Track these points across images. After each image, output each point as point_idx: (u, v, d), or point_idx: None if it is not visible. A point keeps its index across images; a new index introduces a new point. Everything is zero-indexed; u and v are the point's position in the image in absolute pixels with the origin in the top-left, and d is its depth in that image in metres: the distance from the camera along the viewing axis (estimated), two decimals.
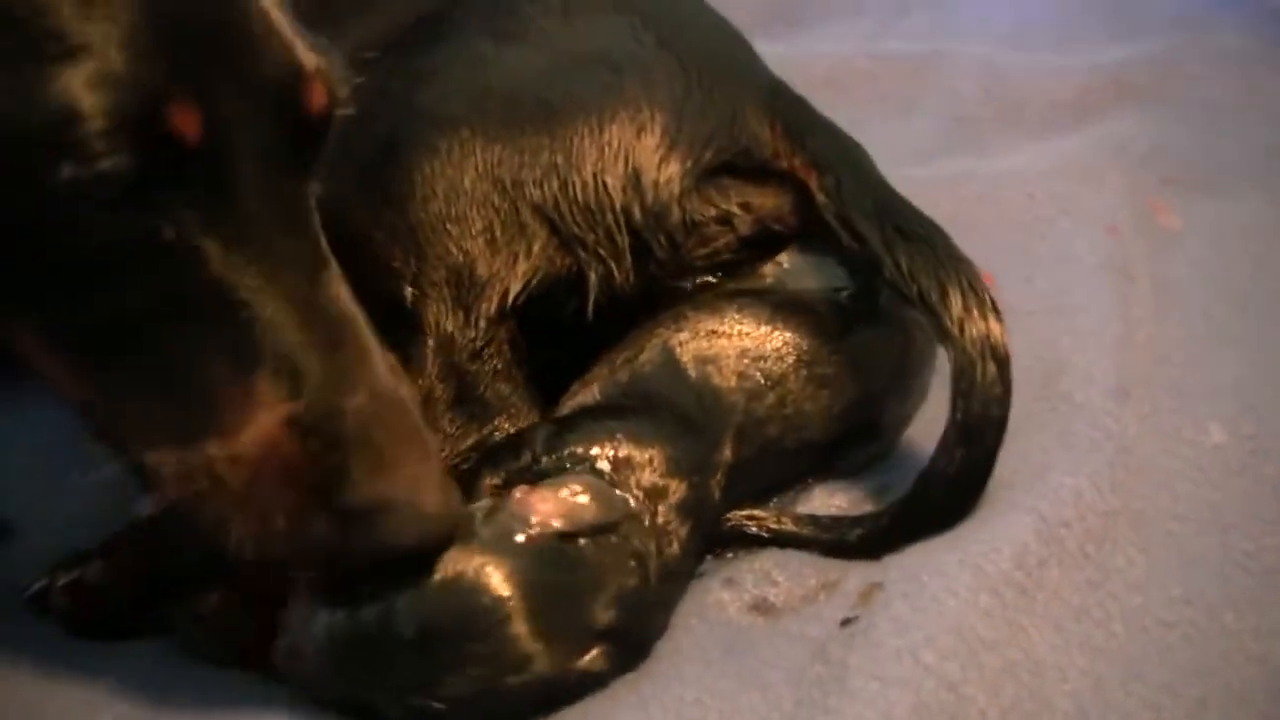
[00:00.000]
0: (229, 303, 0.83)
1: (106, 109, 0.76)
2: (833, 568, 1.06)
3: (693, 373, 1.08)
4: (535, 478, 0.98)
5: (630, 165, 1.13)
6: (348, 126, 0.95)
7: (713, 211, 1.16)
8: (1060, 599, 1.00)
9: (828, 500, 1.14)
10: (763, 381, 1.09)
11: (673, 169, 1.14)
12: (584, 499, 0.95)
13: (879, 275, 1.12)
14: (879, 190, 1.17)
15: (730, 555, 1.08)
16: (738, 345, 1.10)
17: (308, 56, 0.87)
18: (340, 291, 0.88)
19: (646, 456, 1.01)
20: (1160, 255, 1.46)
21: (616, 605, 0.93)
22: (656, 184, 1.13)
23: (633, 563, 0.95)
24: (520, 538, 0.91)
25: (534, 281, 1.11)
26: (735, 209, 1.17)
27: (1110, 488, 1.09)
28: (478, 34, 1.19)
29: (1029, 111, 1.81)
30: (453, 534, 0.89)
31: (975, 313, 1.07)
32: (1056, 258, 1.42)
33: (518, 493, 0.94)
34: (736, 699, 0.93)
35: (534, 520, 0.92)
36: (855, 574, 1.05)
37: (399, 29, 1.21)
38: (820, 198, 1.16)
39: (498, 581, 0.89)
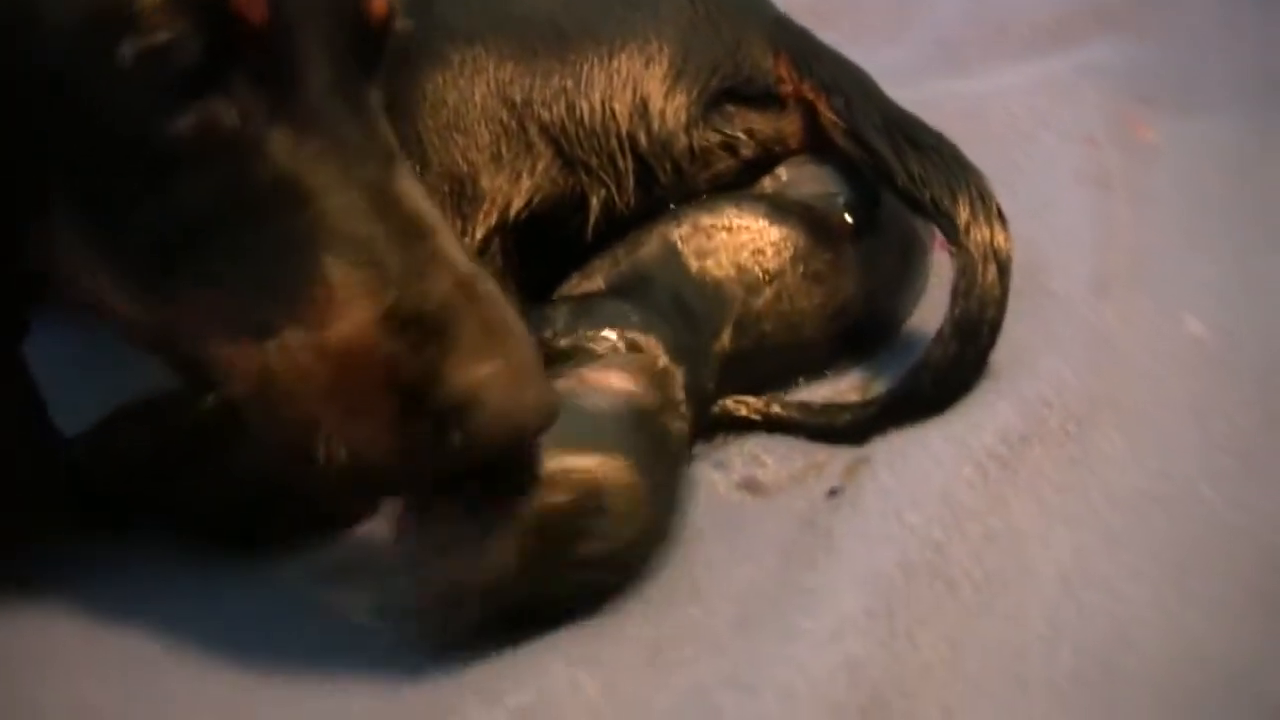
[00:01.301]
0: (302, 194, 0.80)
1: None
2: (820, 450, 1.09)
3: (693, 264, 1.10)
4: (554, 357, 0.99)
5: (638, 94, 1.16)
6: None
7: (717, 138, 1.19)
8: (1042, 474, 1.02)
9: (815, 391, 1.16)
10: (760, 276, 1.12)
11: (679, 99, 1.17)
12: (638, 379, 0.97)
13: (886, 185, 1.16)
14: (887, 106, 1.21)
15: (719, 440, 1.10)
16: (736, 240, 1.12)
17: None
18: (415, 185, 0.85)
19: (655, 340, 1.03)
20: (1138, 167, 1.48)
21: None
22: (663, 113, 1.16)
23: (668, 435, 0.98)
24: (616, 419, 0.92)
25: (536, 199, 1.13)
26: (740, 134, 1.20)
27: (1090, 372, 1.11)
28: None
29: (1010, 36, 1.83)
30: (551, 425, 0.84)
31: (981, 218, 1.10)
32: (1037, 168, 1.45)
33: (590, 374, 0.95)
34: (727, 570, 0.96)
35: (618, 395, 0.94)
36: (842, 456, 1.07)
37: None
38: (829, 117, 1.20)
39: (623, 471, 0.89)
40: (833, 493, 1.01)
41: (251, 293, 0.81)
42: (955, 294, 1.09)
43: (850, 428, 1.09)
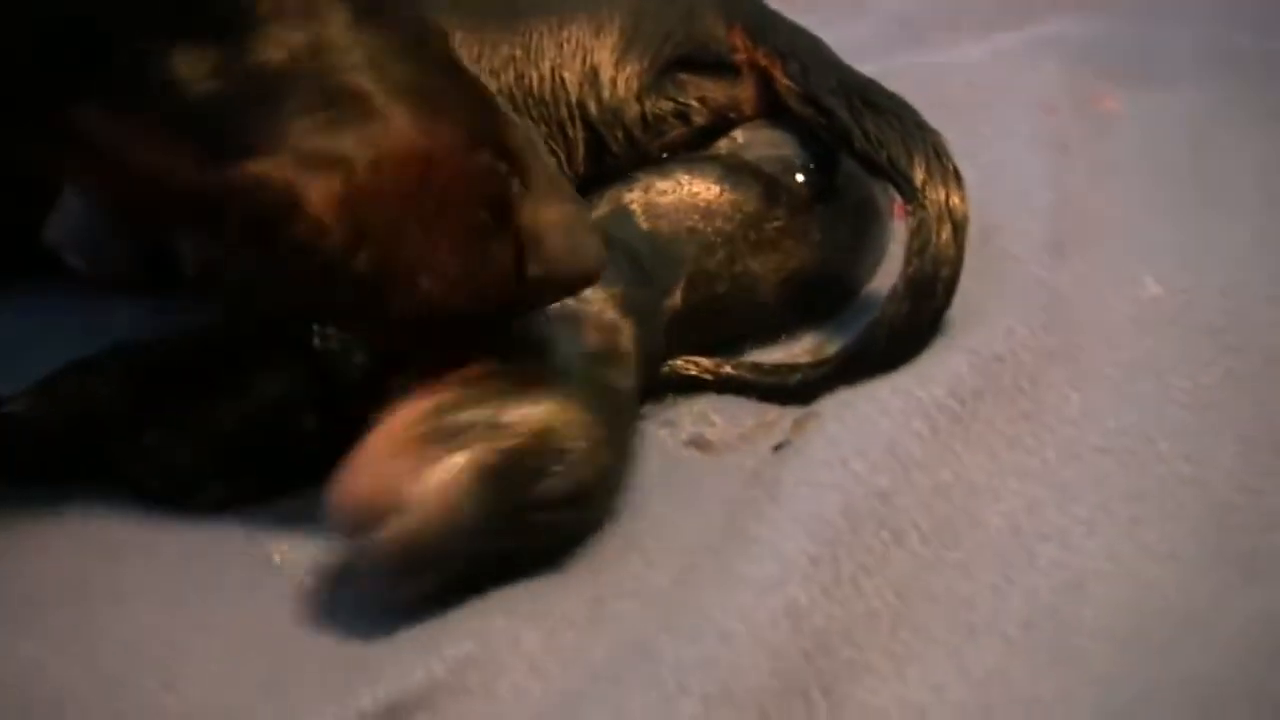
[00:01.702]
0: (378, 50, 0.81)
1: None
2: (770, 410, 1.08)
3: (644, 224, 1.09)
4: None
5: (588, 63, 1.15)
6: None
7: (669, 106, 1.18)
8: (993, 428, 1.01)
9: (768, 354, 1.15)
10: (712, 237, 1.11)
11: (630, 67, 1.16)
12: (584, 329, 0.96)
13: (843, 148, 1.15)
14: (842, 71, 1.20)
15: (669, 400, 1.09)
16: (688, 202, 1.11)
17: None
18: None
19: (607, 294, 1.01)
20: (1097, 135, 1.47)
21: None
22: (614, 81, 1.15)
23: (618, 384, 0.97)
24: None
25: None
26: (693, 102, 1.19)
27: (1045, 329, 1.10)
28: None
29: (972, 12, 1.83)
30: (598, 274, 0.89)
31: (938, 178, 1.09)
32: (995, 134, 1.44)
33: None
34: (672, 524, 0.95)
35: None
36: (792, 414, 1.06)
37: None
38: (785, 82, 1.19)
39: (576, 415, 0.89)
40: (779, 447, 1.00)
41: (335, 129, 0.81)
42: (909, 253, 1.07)
43: (802, 387, 1.07)
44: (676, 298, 1.08)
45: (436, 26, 0.88)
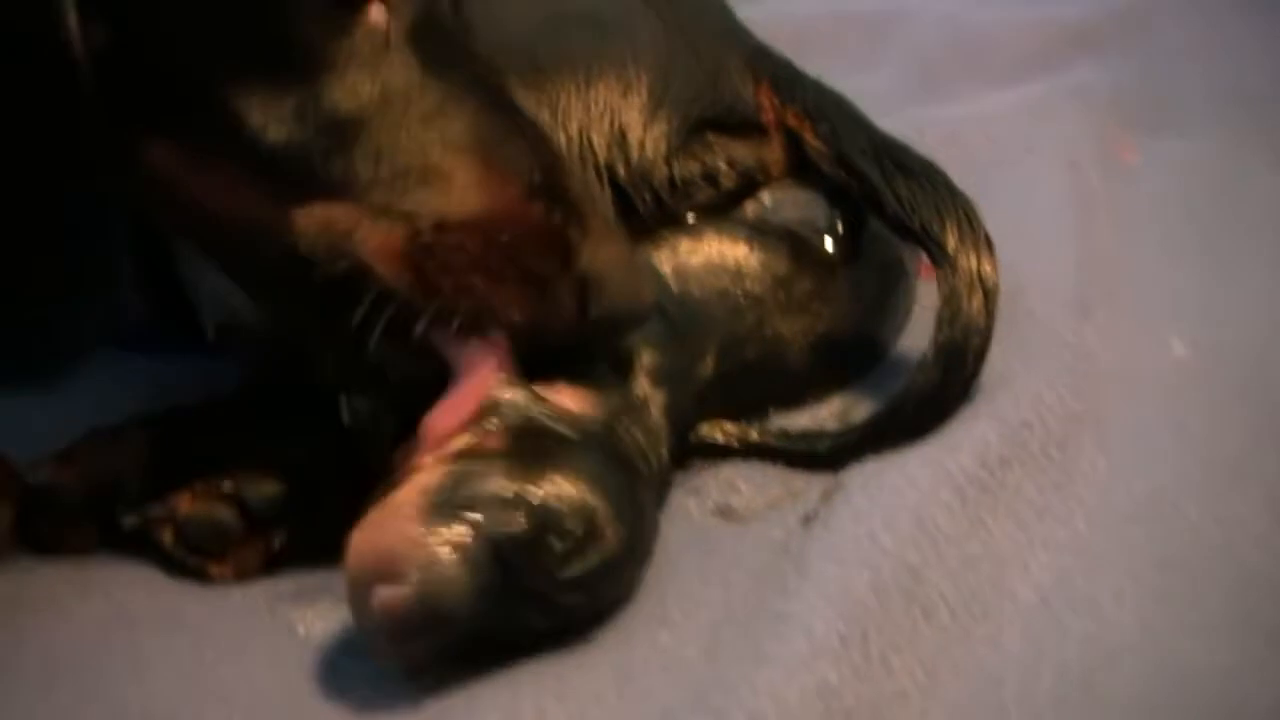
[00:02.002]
0: (443, 94, 0.86)
1: None
2: (797, 477, 1.07)
3: (675, 286, 1.09)
4: None
5: (616, 124, 1.15)
6: None
7: (698, 168, 1.18)
8: (1022, 497, 1.01)
9: (795, 419, 1.15)
10: (742, 300, 1.11)
11: (659, 128, 1.16)
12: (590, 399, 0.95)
13: (874, 211, 1.15)
14: (873, 132, 1.20)
15: (696, 466, 1.09)
16: (717, 264, 1.11)
17: None
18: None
19: (641, 361, 1.01)
20: (1120, 188, 1.47)
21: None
22: (642, 143, 1.15)
23: (641, 461, 0.96)
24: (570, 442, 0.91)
25: None
26: (721, 164, 1.19)
27: (1072, 394, 1.09)
28: None
29: (992, 63, 1.83)
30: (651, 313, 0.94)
31: (969, 244, 1.09)
32: (1018, 191, 1.44)
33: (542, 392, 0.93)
34: (699, 595, 0.94)
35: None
36: (819, 483, 1.06)
37: None
38: (816, 144, 1.19)
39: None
40: (807, 518, 0.99)
41: (399, 181, 0.85)
42: (940, 321, 1.07)
43: (830, 454, 1.07)
44: (709, 364, 1.07)
45: (493, 67, 0.92)
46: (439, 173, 0.86)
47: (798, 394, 1.17)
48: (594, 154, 1.14)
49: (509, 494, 0.85)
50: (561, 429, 0.90)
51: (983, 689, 0.86)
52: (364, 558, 0.84)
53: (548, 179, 0.88)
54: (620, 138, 1.14)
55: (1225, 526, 0.98)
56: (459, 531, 0.83)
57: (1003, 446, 1.02)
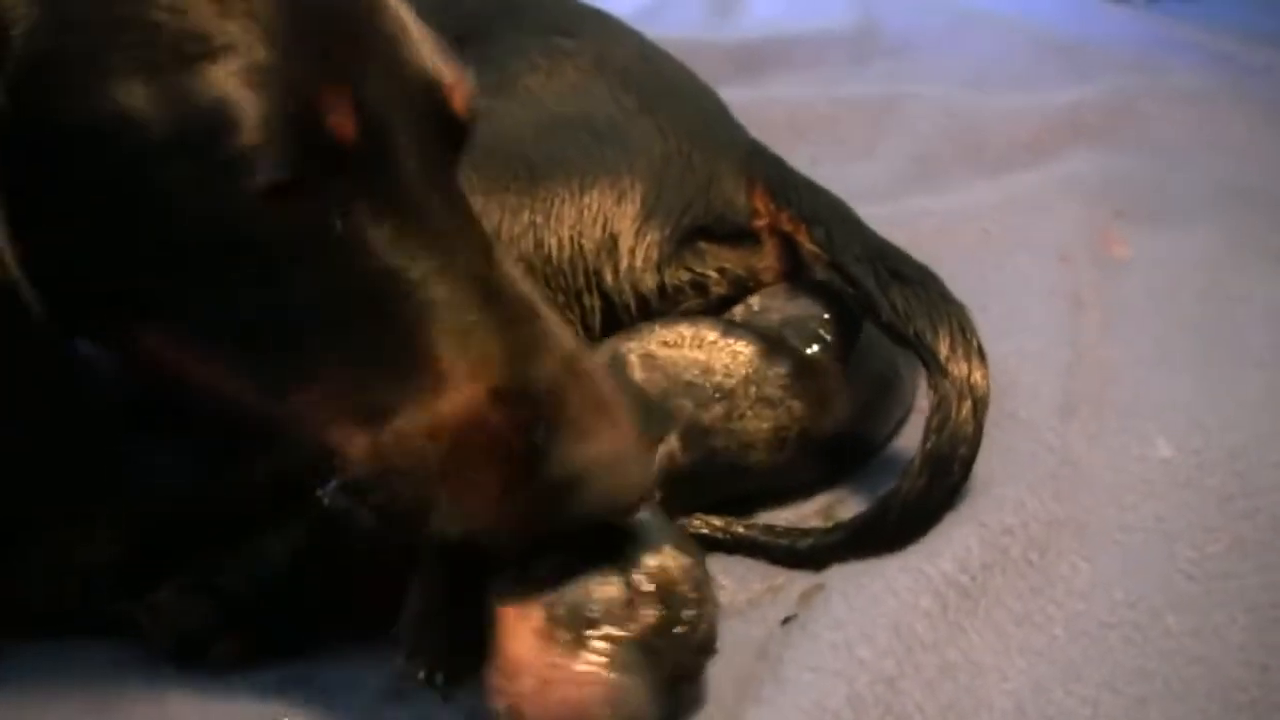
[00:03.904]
0: (408, 285, 0.83)
1: (259, 103, 0.78)
2: (779, 574, 1.08)
3: (638, 374, 1.10)
4: None
5: (607, 231, 1.16)
6: None
7: (687, 276, 1.20)
8: (1002, 604, 1.02)
9: (778, 515, 1.16)
10: (711, 392, 1.11)
11: (650, 236, 1.17)
12: None
13: (869, 317, 1.16)
14: (868, 237, 1.21)
15: None
16: (686, 356, 1.13)
17: (447, 59, 0.90)
18: (513, 269, 0.89)
19: None
20: (1112, 283, 1.48)
21: None
22: (633, 250, 1.16)
23: None
24: None
25: None
26: (711, 273, 1.20)
27: (1054, 497, 1.10)
28: None
29: (986, 151, 1.84)
30: (647, 499, 0.89)
31: (961, 353, 1.11)
32: (1010, 287, 1.45)
33: None
34: None
35: None
36: (800, 580, 1.07)
37: None
38: (810, 248, 1.21)
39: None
40: (786, 620, 1.00)
41: (362, 381, 0.84)
42: (929, 429, 1.08)
43: (812, 553, 1.08)
44: (675, 450, 1.08)
45: (481, 240, 0.88)
46: (399, 372, 0.84)
47: (777, 488, 1.18)
48: (584, 259, 1.15)
49: (620, 593, 0.86)
50: None
51: None
52: (544, 708, 0.85)
53: (517, 373, 0.84)
54: (611, 244, 1.16)
55: (1204, 637, 0.99)
56: (605, 649, 0.84)
57: (984, 552, 1.03)
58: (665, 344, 1.13)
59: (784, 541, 1.11)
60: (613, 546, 0.88)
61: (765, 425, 1.13)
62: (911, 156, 1.86)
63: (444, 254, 0.85)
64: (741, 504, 1.16)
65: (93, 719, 0.97)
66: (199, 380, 0.88)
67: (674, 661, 0.87)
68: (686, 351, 1.13)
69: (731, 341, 1.14)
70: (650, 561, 0.87)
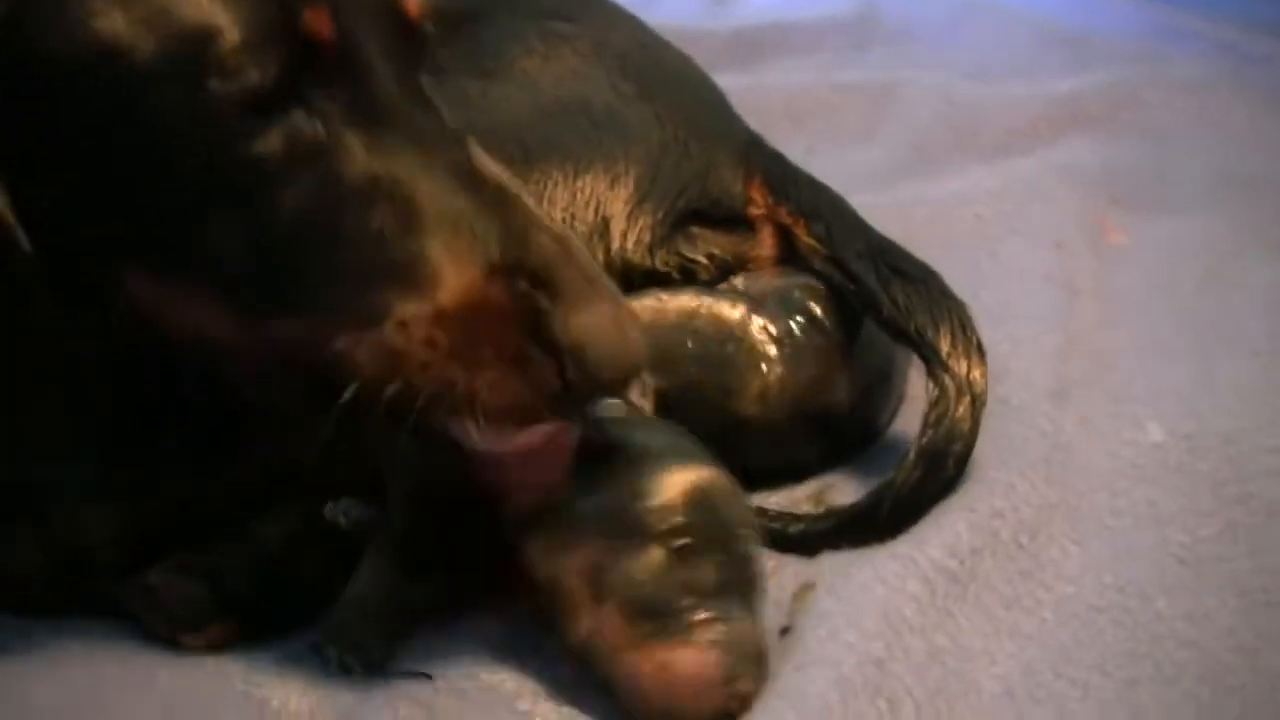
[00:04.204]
0: (391, 184, 0.85)
1: (238, 13, 0.81)
2: (769, 558, 1.07)
3: None
4: None
5: (600, 214, 1.16)
6: None
7: (676, 261, 1.20)
8: (991, 588, 1.02)
9: (768, 496, 1.16)
10: (689, 347, 1.13)
11: (642, 221, 1.17)
12: None
13: (869, 313, 1.17)
14: (868, 233, 1.21)
15: None
16: (664, 319, 1.14)
17: None
18: (489, 159, 0.91)
19: None
20: (1107, 269, 1.48)
21: None
22: (624, 234, 1.16)
23: None
24: None
25: None
26: (700, 258, 1.20)
27: (1045, 481, 1.10)
28: (462, 71, 1.21)
29: (984, 138, 1.83)
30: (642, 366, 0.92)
31: (961, 350, 1.11)
32: (1004, 273, 1.45)
33: None
34: None
35: None
36: (790, 566, 1.07)
37: None
38: (809, 243, 1.21)
39: None
40: (784, 631, 1.00)
41: (358, 285, 0.85)
42: (925, 423, 1.09)
43: (802, 539, 1.09)
44: (643, 397, 1.09)
45: (454, 136, 0.90)
46: (395, 268, 0.86)
47: (776, 465, 1.18)
48: None
49: (663, 560, 0.90)
50: None
51: None
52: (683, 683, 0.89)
53: (510, 250, 0.87)
54: (603, 227, 1.16)
55: (1195, 621, 0.99)
56: (689, 623, 0.89)
57: (973, 537, 1.03)
58: (641, 308, 1.13)
59: (775, 525, 1.11)
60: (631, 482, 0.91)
61: (750, 383, 1.13)
62: (909, 143, 1.85)
63: (422, 151, 0.87)
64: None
65: (83, 698, 0.97)
66: (188, 324, 0.88)
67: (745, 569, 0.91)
68: (661, 315, 1.14)
69: (711, 300, 1.15)
70: (673, 495, 0.90)
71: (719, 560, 0.90)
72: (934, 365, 1.11)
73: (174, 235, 0.86)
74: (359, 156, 0.85)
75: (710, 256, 1.20)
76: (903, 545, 1.03)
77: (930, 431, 1.08)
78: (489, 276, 0.86)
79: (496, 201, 0.88)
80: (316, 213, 0.85)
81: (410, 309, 0.85)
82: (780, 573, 1.06)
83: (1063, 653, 0.97)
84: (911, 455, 1.08)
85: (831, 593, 0.99)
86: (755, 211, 1.23)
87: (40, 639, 1.03)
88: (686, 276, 1.19)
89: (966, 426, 1.08)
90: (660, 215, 1.17)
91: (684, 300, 1.15)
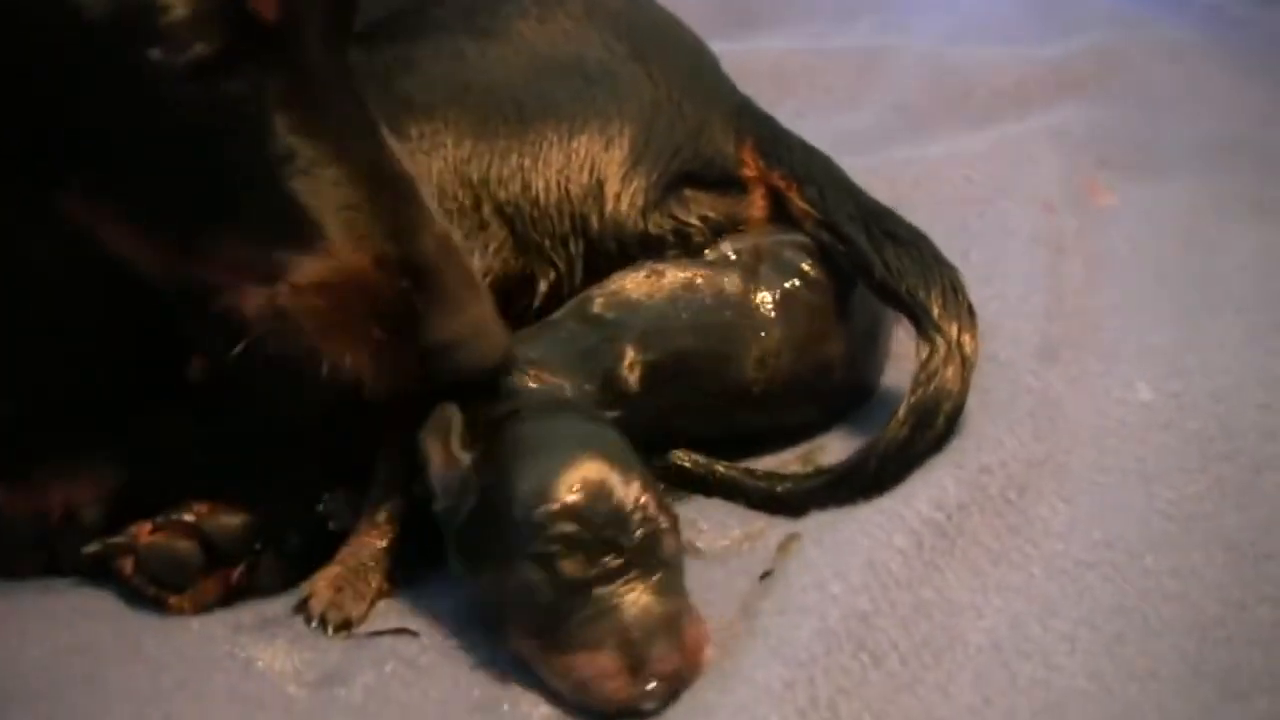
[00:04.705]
0: (307, 162, 0.90)
1: None
2: (758, 519, 1.08)
3: (597, 306, 1.12)
4: None
5: (595, 175, 1.15)
6: None
7: (670, 224, 1.19)
8: (979, 543, 1.02)
9: (757, 459, 1.16)
10: (681, 311, 1.13)
11: (636, 183, 1.16)
12: None
13: (861, 276, 1.16)
14: (860, 197, 1.21)
15: None
16: (658, 287, 1.13)
17: None
18: (395, 150, 0.96)
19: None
20: (1094, 231, 1.48)
21: None
22: (619, 196, 1.16)
23: None
24: None
25: (487, 280, 1.11)
26: (694, 221, 1.19)
27: (1033, 438, 1.10)
28: (458, 30, 1.21)
29: (971, 102, 1.83)
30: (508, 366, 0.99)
31: (952, 313, 1.11)
32: (992, 234, 1.45)
33: None
34: None
35: None
36: (779, 526, 1.06)
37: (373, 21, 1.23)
38: (802, 206, 1.20)
39: None
40: (766, 575, 1.00)
41: (264, 245, 0.91)
42: (915, 383, 1.09)
43: (790, 498, 1.08)
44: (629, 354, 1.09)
45: (370, 122, 0.94)
46: (300, 236, 0.91)
47: (771, 428, 1.17)
48: (570, 204, 1.14)
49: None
50: None
51: None
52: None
53: (401, 247, 0.93)
54: (597, 189, 1.15)
55: (1182, 576, 0.99)
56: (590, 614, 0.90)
57: (960, 492, 1.03)
58: (636, 282, 1.13)
59: (763, 485, 1.10)
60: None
61: (750, 347, 1.13)
62: (896, 107, 1.85)
63: (338, 136, 0.91)
64: (728, 448, 1.15)
65: (66, 661, 0.97)
66: (120, 251, 0.92)
67: (641, 546, 0.90)
68: (655, 285, 1.13)
69: (703, 267, 1.15)
70: (552, 503, 0.90)
71: (604, 552, 0.89)
72: (925, 327, 1.11)
73: (100, 165, 0.89)
74: (281, 134, 0.89)
75: (704, 219, 1.19)
76: (889, 500, 1.03)
77: (920, 390, 1.08)
78: (376, 264, 0.92)
79: (395, 195, 0.94)
80: (234, 174, 0.89)
81: (303, 274, 0.90)
82: (768, 533, 1.06)
83: (1050, 607, 0.96)
84: (901, 413, 1.07)
85: (818, 544, 0.99)
86: (747, 173, 1.22)
87: (27, 601, 1.02)
88: (680, 240, 1.18)
89: (956, 387, 1.08)
90: (654, 177, 1.16)
91: (679, 272, 1.14)
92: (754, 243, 1.18)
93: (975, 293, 1.15)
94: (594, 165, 1.15)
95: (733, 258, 1.17)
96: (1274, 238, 1.47)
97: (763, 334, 1.14)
